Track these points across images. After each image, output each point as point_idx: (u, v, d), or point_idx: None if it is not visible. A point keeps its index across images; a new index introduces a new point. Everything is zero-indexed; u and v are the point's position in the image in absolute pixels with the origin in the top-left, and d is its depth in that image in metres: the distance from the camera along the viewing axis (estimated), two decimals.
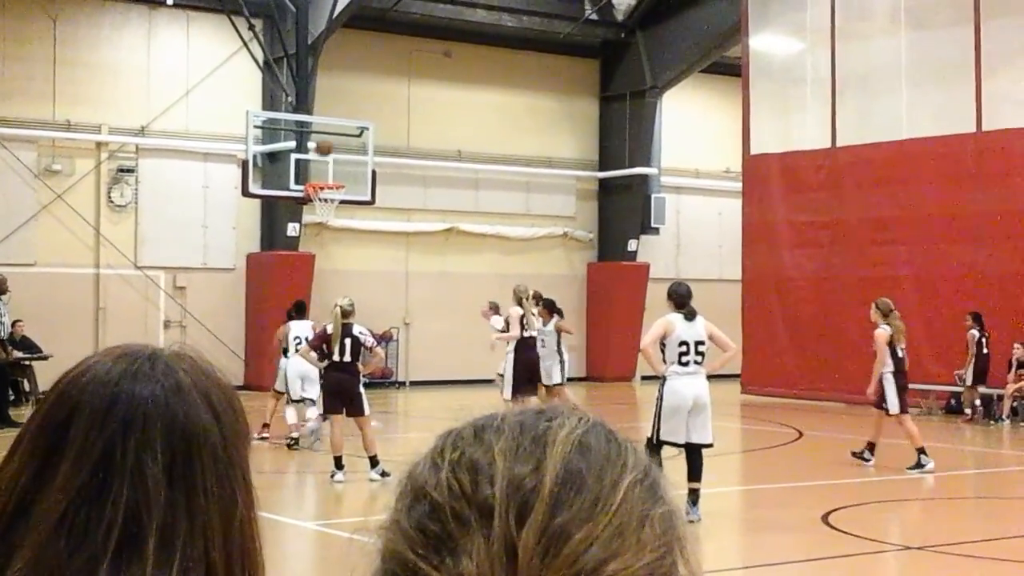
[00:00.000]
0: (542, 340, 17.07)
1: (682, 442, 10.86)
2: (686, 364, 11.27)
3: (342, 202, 22.15)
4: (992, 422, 20.10)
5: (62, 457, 1.21)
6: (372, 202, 22.89)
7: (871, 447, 14.93)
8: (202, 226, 25.11)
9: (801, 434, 18.28)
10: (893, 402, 14.60)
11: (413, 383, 26.82)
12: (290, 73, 23.82)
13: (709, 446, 11.06)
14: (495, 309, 19.75)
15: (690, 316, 11.53)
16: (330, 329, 13.12)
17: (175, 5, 24.35)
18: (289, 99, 23.69)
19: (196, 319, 24.29)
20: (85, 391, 1.24)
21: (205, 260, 25.19)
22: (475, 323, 27.01)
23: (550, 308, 17.88)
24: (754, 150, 24.99)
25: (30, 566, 1.16)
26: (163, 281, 24.47)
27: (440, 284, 27.24)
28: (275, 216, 24.84)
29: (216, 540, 1.21)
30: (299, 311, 16.68)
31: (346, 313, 13.15)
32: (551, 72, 28.80)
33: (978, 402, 20.54)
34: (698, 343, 11.42)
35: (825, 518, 11.19)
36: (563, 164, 29.14)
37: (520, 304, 16.71)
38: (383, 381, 26.61)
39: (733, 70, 26.68)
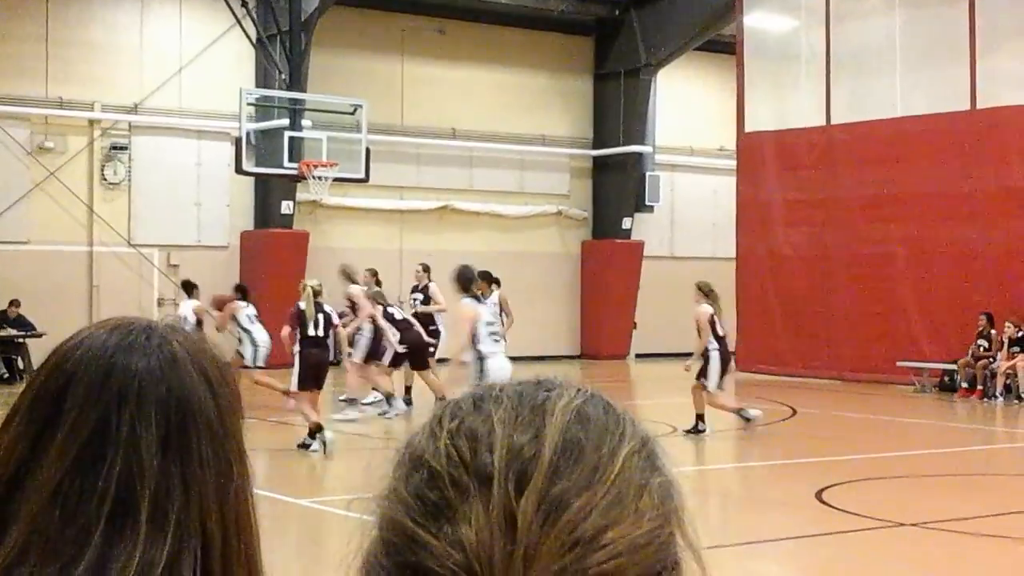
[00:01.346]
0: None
1: None
2: (497, 341, 11.70)
3: (336, 180, 22.11)
4: (986, 400, 20.16)
5: (57, 428, 1.21)
6: (366, 180, 22.84)
7: (700, 418, 15.29)
8: (195, 204, 25.08)
9: (795, 411, 18.33)
10: (713, 379, 15.21)
11: None
12: (283, 51, 23.74)
13: None
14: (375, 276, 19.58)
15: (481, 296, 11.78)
16: (303, 306, 13.73)
17: None
18: (283, 77, 23.62)
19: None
20: (80, 363, 1.24)
21: (199, 238, 25.16)
22: None
23: (488, 279, 17.62)
24: (748, 128, 24.98)
25: (25, 536, 1.17)
26: (157, 259, 24.45)
27: (434, 262, 27.17)
28: (269, 194, 24.80)
29: (212, 511, 1.21)
30: (243, 295, 17.04)
31: (317, 292, 13.86)
32: (545, 49, 28.74)
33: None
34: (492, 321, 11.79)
35: (819, 495, 11.23)
36: (557, 142, 29.10)
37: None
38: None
39: (728, 48, 26.65)
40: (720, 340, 15.35)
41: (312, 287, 13.90)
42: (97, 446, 1.20)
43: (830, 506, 10.84)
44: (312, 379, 13.68)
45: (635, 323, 29.15)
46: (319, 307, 13.82)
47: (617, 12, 28.58)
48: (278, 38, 23.76)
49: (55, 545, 1.16)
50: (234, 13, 23.46)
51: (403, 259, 27.16)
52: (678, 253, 30.61)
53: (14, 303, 20.47)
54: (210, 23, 24.61)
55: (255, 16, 23.88)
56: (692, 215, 30.55)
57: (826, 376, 22.75)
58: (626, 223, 29.02)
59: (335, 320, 14.13)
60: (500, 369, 11.73)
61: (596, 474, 0.84)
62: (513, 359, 17.77)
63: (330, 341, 14.37)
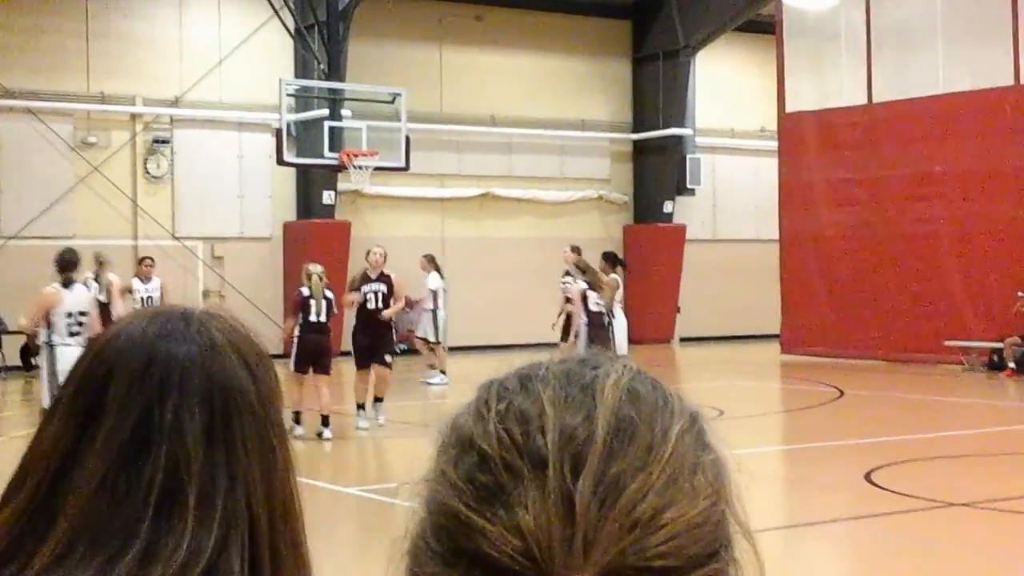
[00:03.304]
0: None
1: None
2: (75, 334, 11.24)
3: (376, 169, 22.16)
4: None
5: (101, 419, 1.21)
6: (406, 168, 22.88)
7: None
8: (238, 196, 25.21)
9: (842, 393, 18.21)
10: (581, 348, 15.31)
11: (452, 349, 26.85)
12: (322, 41, 23.79)
13: None
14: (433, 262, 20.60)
15: (69, 285, 11.43)
16: (306, 292, 14.02)
17: None
18: (321, 67, 23.68)
19: (234, 288, 24.41)
20: (121, 353, 1.24)
21: (242, 229, 25.30)
22: (512, 288, 27.07)
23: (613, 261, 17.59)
24: (789, 108, 24.80)
25: (73, 528, 1.17)
26: (201, 251, 24.60)
27: (476, 249, 27.25)
28: (310, 184, 24.89)
29: (258, 495, 1.21)
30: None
31: (322, 278, 14.17)
32: (583, 34, 28.65)
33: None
34: (82, 313, 11.42)
35: (868, 476, 11.16)
36: (597, 126, 29.03)
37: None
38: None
39: (767, 28, 26.45)
40: (593, 315, 15.47)
41: (319, 273, 14.17)
42: (142, 436, 1.20)
43: (879, 487, 10.77)
44: (308, 362, 13.91)
45: (678, 307, 29.07)
46: (323, 293, 14.13)
47: None
48: (316, 28, 23.81)
49: (103, 536, 1.17)
50: (272, 4, 23.53)
51: (445, 247, 27.22)
52: (720, 236, 30.48)
53: None
54: (248, 15, 24.70)
55: (293, 7, 23.95)
56: (734, 197, 30.41)
57: (873, 357, 22.58)
58: (667, 207, 28.92)
59: (335, 306, 14.43)
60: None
61: (650, 454, 0.83)
62: (555, 345, 17.80)
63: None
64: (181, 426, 1.20)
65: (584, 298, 15.50)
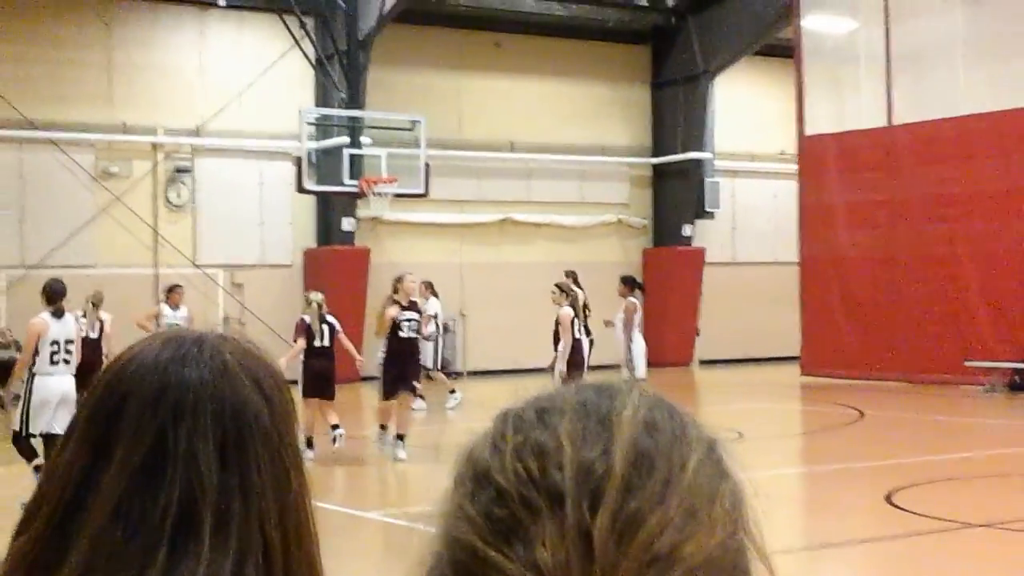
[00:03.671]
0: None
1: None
2: (57, 364, 11.35)
3: (396, 195, 22.25)
4: None
5: (115, 446, 1.21)
6: (425, 195, 22.96)
7: None
8: (258, 223, 25.32)
9: (862, 414, 18.13)
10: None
11: (471, 373, 26.87)
12: (342, 69, 23.94)
13: None
14: (431, 288, 20.22)
15: (59, 315, 11.54)
16: (308, 320, 14.56)
17: (227, 6, 24.52)
18: (341, 95, 23.81)
19: (255, 315, 24.47)
20: (134, 379, 1.24)
21: (262, 257, 25.40)
22: (531, 312, 27.03)
23: (631, 285, 17.67)
24: (809, 131, 24.78)
25: (89, 555, 1.17)
26: (221, 279, 24.70)
27: (495, 275, 27.28)
28: (330, 211, 24.98)
29: (272, 518, 1.21)
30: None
31: (321, 305, 14.64)
32: (602, 60, 28.72)
33: None
34: (68, 342, 11.53)
35: (888, 497, 11.10)
36: (616, 151, 29.06)
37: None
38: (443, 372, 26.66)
39: (785, 52, 26.46)
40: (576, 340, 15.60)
41: (318, 301, 14.65)
42: (156, 462, 1.20)
43: (900, 508, 10.70)
44: (315, 388, 14.22)
45: (698, 330, 29.01)
46: (323, 319, 14.54)
47: (673, 20, 28.50)
48: (336, 57, 23.96)
49: (119, 563, 1.16)
50: (292, 34, 23.70)
51: (463, 273, 27.27)
52: (740, 259, 30.43)
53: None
54: (268, 45, 24.86)
55: (313, 36, 24.10)
56: (753, 220, 30.37)
57: (893, 378, 22.47)
58: (687, 230, 28.90)
59: (338, 329, 14.76)
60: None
61: (668, 487, 0.83)
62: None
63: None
64: (195, 451, 1.20)
65: (571, 324, 15.58)
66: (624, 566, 0.79)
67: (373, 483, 14.06)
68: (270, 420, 1.25)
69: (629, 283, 16.92)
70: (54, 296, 11.59)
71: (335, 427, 14.01)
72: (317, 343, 14.41)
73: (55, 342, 11.45)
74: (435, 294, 20.66)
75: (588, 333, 16.24)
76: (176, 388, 1.23)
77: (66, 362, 11.40)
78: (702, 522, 0.82)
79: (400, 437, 14.26)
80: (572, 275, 17.21)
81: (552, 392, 0.90)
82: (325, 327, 14.51)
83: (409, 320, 14.62)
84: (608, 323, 16.87)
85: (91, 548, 1.17)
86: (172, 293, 19.04)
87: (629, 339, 16.45)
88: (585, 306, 16.35)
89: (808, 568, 8.83)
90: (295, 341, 14.66)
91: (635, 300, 16.61)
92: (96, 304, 16.44)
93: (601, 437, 0.84)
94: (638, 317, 16.75)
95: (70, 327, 11.71)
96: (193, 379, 1.24)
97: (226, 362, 1.26)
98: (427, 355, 18.91)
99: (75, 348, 11.53)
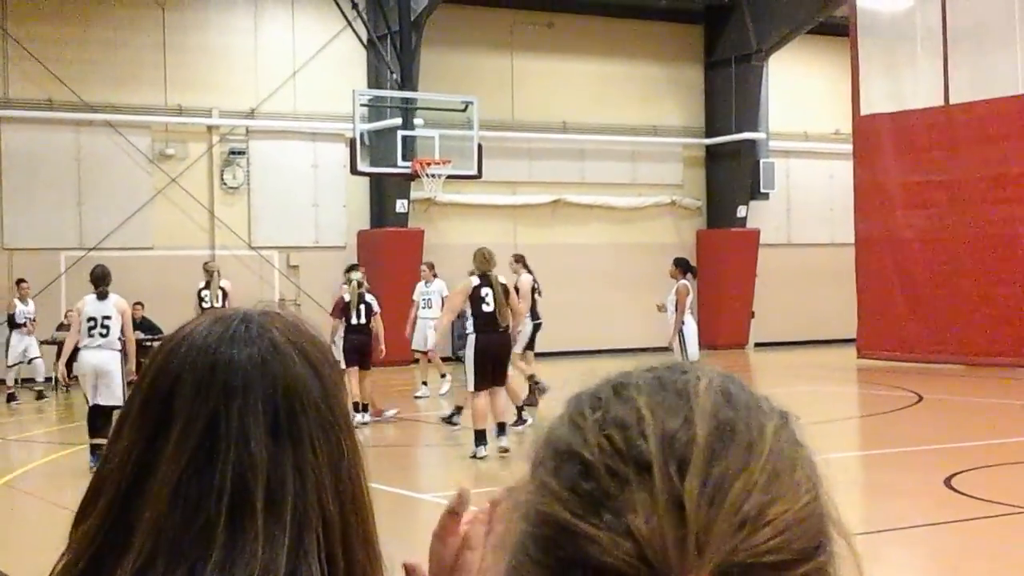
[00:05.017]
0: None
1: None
2: (92, 336, 12.72)
3: (449, 177, 22.28)
4: None
5: (170, 429, 1.22)
6: (479, 176, 22.97)
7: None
8: (313, 205, 25.45)
9: (921, 397, 17.97)
10: (520, 343, 15.94)
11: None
12: (394, 50, 23.97)
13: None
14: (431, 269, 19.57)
15: (102, 296, 12.89)
16: (347, 298, 15.59)
17: None
18: (394, 76, 23.85)
19: (310, 297, 24.63)
20: (185, 361, 1.25)
21: (317, 238, 25.53)
22: (584, 294, 27.02)
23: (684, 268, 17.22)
24: (864, 110, 24.53)
25: (152, 540, 1.18)
26: (277, 260, 24.87)
27: (548, 256, 27.23)
28: (384, 193, 25.06)
29: (328, 491, 1.22)
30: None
31: (360, 284, 15.67)
32: (654, 39, 28.57)
33: None
34: (105, 318, 12.83)
35: (948, 481, 11.01)
36: (669, 132, 28.92)
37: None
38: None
39: (840, 30, 26.20)
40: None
41: (358, 280, 15.71)
42: (210, 442, 1.21)
43: (960, 492, 10.61)
44: (355, 360, 15.28)
45: (753, 312, 28.86)
46: (361, 298, 15.53)
47: None
48: (388, 38, 24.00)
49: (180, 546, 1.18)
50: (345, 15, 23.76)
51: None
52: (795, 240, 30.22)
53: (138, 305, 20.85)
54: (321, 26, 24.94)
55: (365, 17, 24.15)
56: (808, 201, 30.14)
57: (952, 361, 22.25)
58: (741, 211, 28.73)
59: (376, 309, 15.71)
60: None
61: (751, 452, 0.84)
62: (630, 351, 17.75)
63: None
64: (247, 430, 1.21)
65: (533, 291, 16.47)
66: (716, 528, 0.80)
67: (425, 464, 14.10)
68: (320, 393, 1.26)
69: (681, 265, 16.81)
70: (96, 280, 13.00)
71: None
72: (354, 321, 15.44)
73: (92, 319, 12.82)
74: (436, 276, 19.62)
75: (536, 317, 16.92)
76: (226, 368, 1.24)
77: (102, 335, 12.70)
78: (785, 486, 0.83)
79: (501, 427, 13.08)
80: (521, 259, 17.17)
81: (624, 371, 0.91)
82: (363, 306, 15.48)
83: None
84: (661, 307, 16.74)
85: (153, 534, 1.18)
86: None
87: (681, 322, 16.35)
88: (535, 290, 16.90)
89: (867, 552, 8.71)
90: (332, 317, 15.62)
91: (687, 283, 16.48)
92: (213, 274, 18.00)
93: (681, 408, 0.85)
94: (690, 300, 16.60)
95: (108, 307, 12.90)
96: (242, 358, 1.25)
97: (274, 339, 1.27)
98: (427, 336, 17.87)
99: (112, 324, 12.75)
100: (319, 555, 1.20)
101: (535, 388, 16.20)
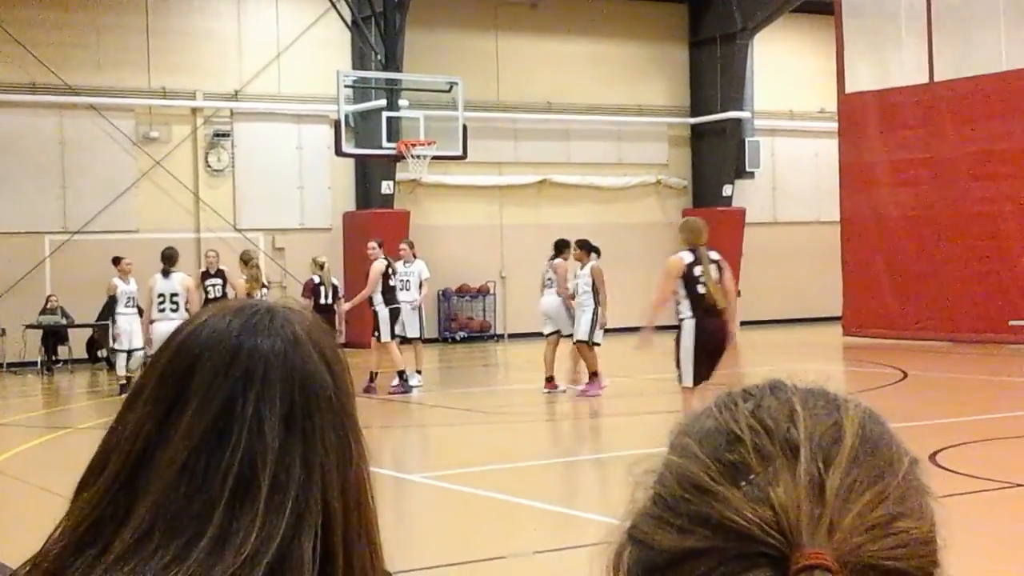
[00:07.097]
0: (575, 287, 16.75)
1: None
2: (164, 311, 15.26)
3: (434, 158, 22.25)
4: None
5: (185, 406, 1.24)
6: (464, 157, 22.95)
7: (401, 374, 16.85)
8: (298, 187, 25.41)
9: (905, 374, 18.05)
10: (385, 330, 16.71)
11: (511, 336, 26.94)
12: (378, 32, 23.91)
13: None
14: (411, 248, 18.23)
15: (166, 274, 15.67)
16: (316, 280, 17.53)
17: None
18: (378, 57, 23.80)
19: (296, 279, 24.59)
20: (207, 344, 1.27)
21: (302, 220, 25.50)
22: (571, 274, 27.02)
23: (587, 248, 16.82)
24: (849, 88, 24.56)
25: (152, 512, 1.20)
26: (262, 242, 24.83)
27: (534, 236, 27.23)
28: (369, 174, 25.03)
29: (333, 487, 1.24)
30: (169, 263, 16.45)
31: (324, 267, 17.59)
32: (639, 19, 28.54)
33: None
34: (173, 295, 15.56)
35: (933, 457, 11.06)
36: (654, 111, 28.92)
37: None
38: (481, 335, 26.77)
39: (825, 8, 26.22)
40: (388, 292, 16.89)
41: (324, 263, 17.50)
42: (223, 424, 1.23)
43: (945, 468, 10.67)
44: None
45: (739, 290, 28.90)
46: (329, 281, 17.49)
47: None
48: (373, 19, 23.93)
49: (179, 521, 1.20)
50: None
51: (503, 234, 27.28)
52: (780, 218, 30.28)
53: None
54: (305, 7, 24.86)
55: None
56: (794, 179, 30.20)
57: (936, 338, 22.35)
58: (727, 190, 28.77)
59: (340, 291, 17.67)
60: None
61: (888, 468, 0.89)
62: (617, 330, 17.78)
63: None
64: (260, 417, 1.23)
65: (387, 276, 17.08)
66: (848, 520, 0.85)
67: (409, 446, 14.14)
68: (334, 391, 1.28)
69: (586, 247, 16.49)
70: (165, 260, 15.89)
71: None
72: (322, 301, 17.21)
73: (161, 295, 15.60)
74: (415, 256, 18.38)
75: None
76: (248, 355, 1.26)
77: (172, 310, 15.33)
78: (914, 507, 0.89)
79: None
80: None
81: (777, 379, 0.96)
82: (330, 288, 17.46)
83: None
84: (571, 296, 16.44)
85: (154, 506, 1.20)
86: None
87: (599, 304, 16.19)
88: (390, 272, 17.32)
89: None
90: (302, 298, 16.73)
91: (596, 264, 16.25)
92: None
93: (832, 413, 0.91)
94: (590, 281, 16.31)
95: (175, 284, 15.66)
96: (265, 348, 1.27)
97: (296, 333, 1.29)
98: (413, 323, 17.50)
99: (180, 300, 15.44)
100: (314, 545, 1.21)
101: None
